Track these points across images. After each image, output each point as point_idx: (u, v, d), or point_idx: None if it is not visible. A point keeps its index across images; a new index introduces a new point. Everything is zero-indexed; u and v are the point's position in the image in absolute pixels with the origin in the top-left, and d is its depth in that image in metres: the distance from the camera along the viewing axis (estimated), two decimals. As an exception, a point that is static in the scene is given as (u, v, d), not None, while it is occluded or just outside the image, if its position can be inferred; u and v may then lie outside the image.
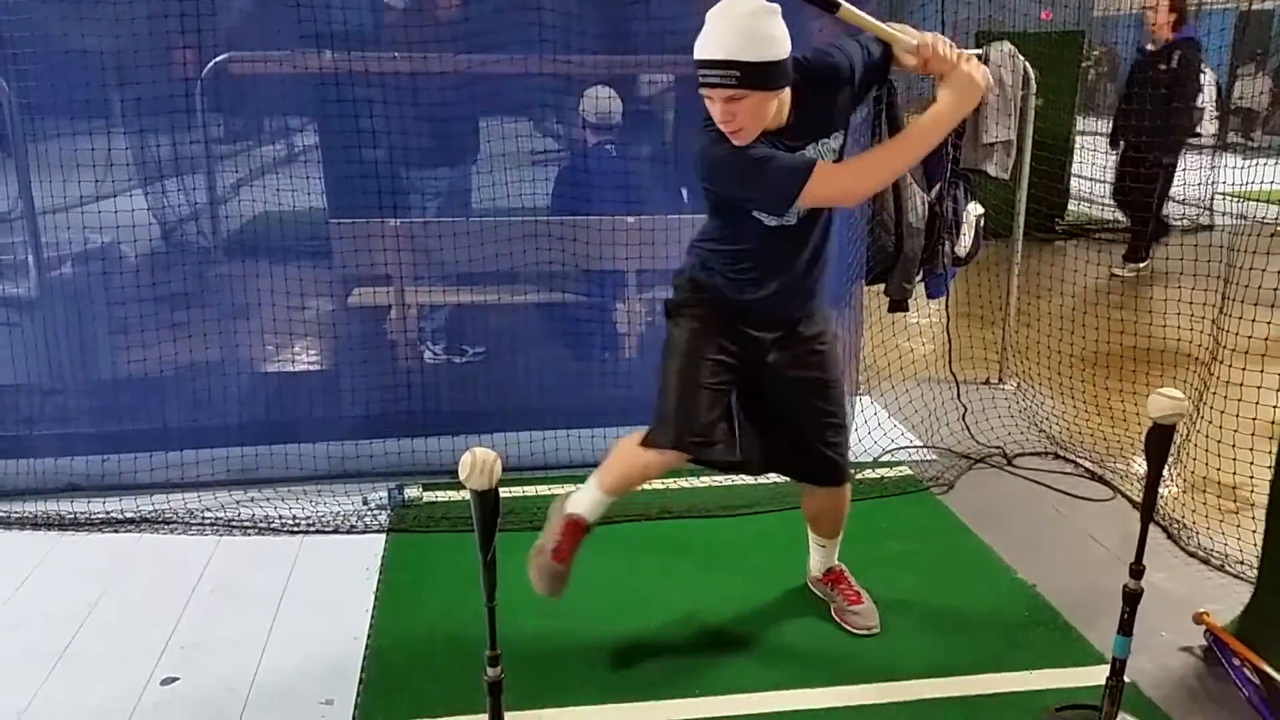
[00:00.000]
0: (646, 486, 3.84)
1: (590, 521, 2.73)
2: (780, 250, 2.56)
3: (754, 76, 2.25)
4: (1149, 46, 7.36)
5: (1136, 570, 2.32)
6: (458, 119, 4.23)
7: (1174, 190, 7.59)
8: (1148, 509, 2.31)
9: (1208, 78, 7.98)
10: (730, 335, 2.63)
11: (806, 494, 2.96)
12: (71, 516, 3.63)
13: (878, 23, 2.49)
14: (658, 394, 2.68)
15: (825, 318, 2.76)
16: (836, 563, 3.11)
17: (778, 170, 2.38)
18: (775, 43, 2.27)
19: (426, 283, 4.38)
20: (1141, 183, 6.88)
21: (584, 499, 2.74)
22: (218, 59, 3.85)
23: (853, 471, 2.93)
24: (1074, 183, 8.65)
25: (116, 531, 3.56)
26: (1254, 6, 8.78)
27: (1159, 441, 2.24)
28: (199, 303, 4.01)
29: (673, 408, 2.64)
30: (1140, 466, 2.29)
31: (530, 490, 3.67)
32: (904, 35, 2.49)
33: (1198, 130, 7.85)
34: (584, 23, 4.08)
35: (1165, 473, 3.62)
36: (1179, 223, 8.24)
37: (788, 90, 2.38)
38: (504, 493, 1.88)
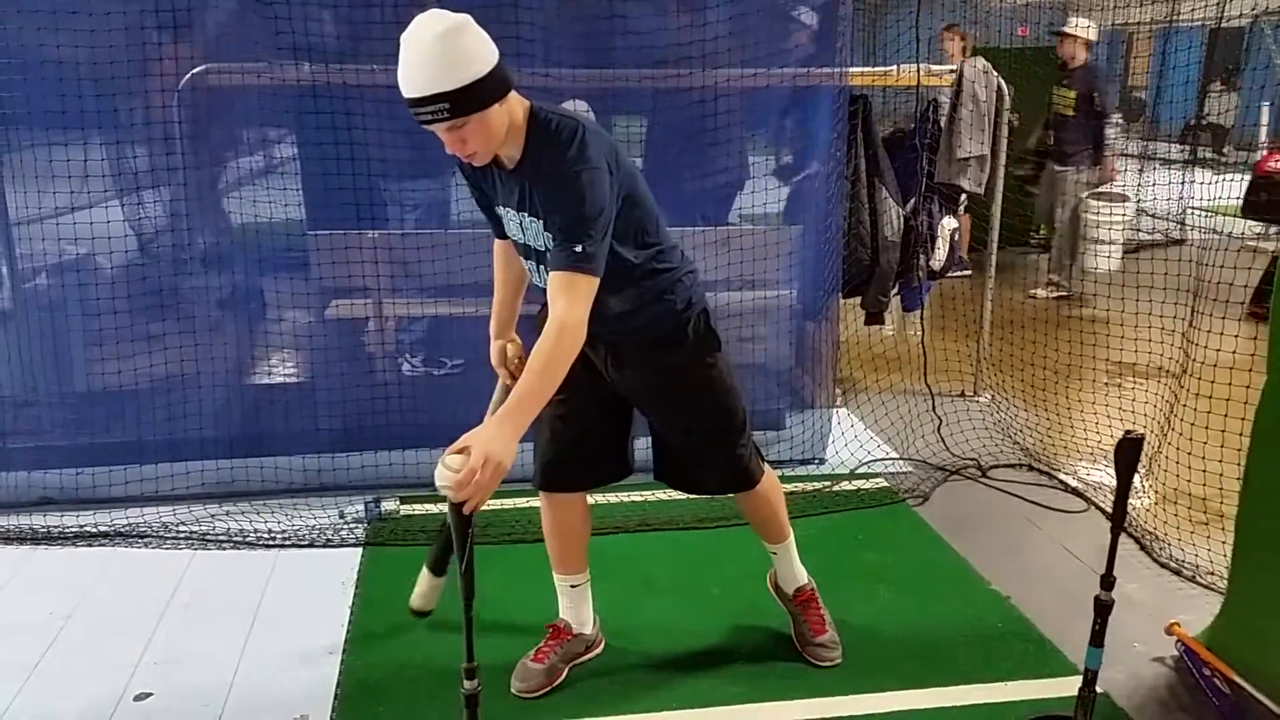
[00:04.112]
0: (625, 499, 3.87)
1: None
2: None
3: (465, 102, 2.10)
4: None
5: (1107, 582, 2.35)
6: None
7: (1147, 205, 7.69)
8: (1118, 520, 2.34)
9: None
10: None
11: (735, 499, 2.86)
12: (45, 530, 3.60)
13: None
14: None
15: (665, 337, 2.58)
16: (807, 582, 2.96)
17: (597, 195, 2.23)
18: (475, 59, 2.11)
19: (405, 295, 4.37)
20: None
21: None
22: (195, 70, 3.84)
23: (756, 475, 2.73)
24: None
25: (90, 545, 3.53)
26: (1223, 24, 8.92)
27: (1128, 453, 2.27)
28: (175, 315, 3.99)
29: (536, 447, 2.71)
30: (1112, 478, 2.32)
31: (508, 503, 3.67)
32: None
33: None
34: (562, 36, 4.09)
35: (1138, 484, 3.67)
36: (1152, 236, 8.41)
37: (514, 99, 2.22)
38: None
